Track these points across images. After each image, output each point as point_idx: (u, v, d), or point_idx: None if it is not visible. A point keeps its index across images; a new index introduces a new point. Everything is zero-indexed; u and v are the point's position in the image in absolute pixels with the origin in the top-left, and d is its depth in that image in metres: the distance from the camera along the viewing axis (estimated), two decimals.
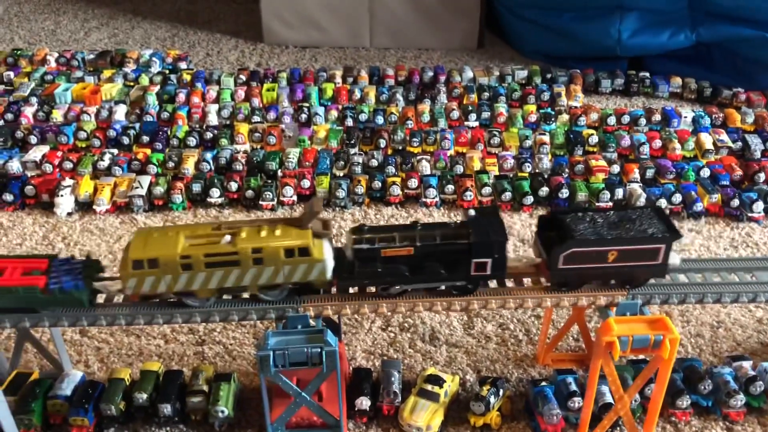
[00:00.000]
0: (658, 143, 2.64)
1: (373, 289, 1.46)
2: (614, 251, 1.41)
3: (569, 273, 1.43)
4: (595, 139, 2.66)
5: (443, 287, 1.45)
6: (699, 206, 2.32)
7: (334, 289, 1.46)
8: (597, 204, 2.34)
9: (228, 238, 1.35)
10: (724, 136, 2.67)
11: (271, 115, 2.87)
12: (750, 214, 2.29)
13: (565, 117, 2.85)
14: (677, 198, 2.33)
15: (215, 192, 2.38)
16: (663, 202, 2.31)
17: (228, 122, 2.83)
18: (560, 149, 2.66)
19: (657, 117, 2.84)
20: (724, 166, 2.52)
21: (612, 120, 2.82)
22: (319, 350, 1.35)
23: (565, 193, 2.36)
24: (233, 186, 2.40)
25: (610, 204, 2.34)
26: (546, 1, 3.39)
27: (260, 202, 2.37)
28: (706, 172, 2.47)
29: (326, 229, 1.39)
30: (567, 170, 2.51)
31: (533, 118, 2.83)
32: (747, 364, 1.65)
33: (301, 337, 1.38)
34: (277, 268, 1.36)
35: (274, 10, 3.70)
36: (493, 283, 1.47)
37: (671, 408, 1.59)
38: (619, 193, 2.35)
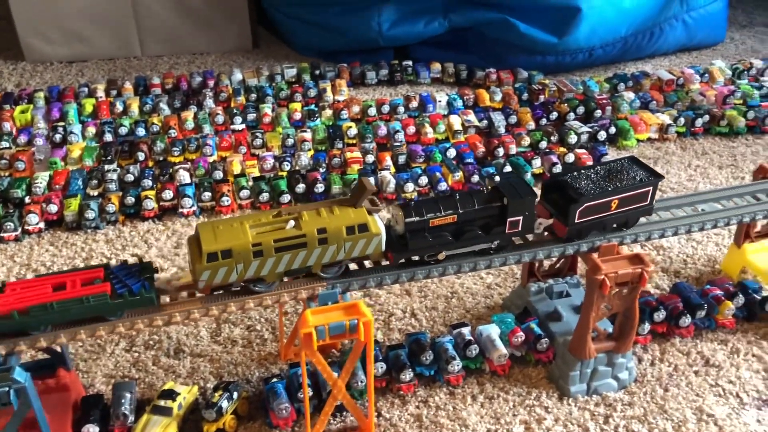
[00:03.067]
0: (412, 129, 2.78)
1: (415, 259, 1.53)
2: (616, 200, 1.60)
3: (582, 226, 1.59)
4: (353, 131, 2.75)
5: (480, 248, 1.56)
6: (443, 185, 2.47)
7: (387, 263, 1.54)
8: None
9: (292, 223, 1.42)
10: (471, 116, 2.86)
11: (22, 139, 2.72)
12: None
13: (329, 112, 2.93)
14: (423, 180, 2.46)
15: None
16: (410, 186, 2.43)
17: None
18: (322, 144, 2.73)
19: (415, 104, 2.98)
20: (469, 145, 2.69)
21: (373, 111, 2.93)
22: (7, 389, 1.30)
23: (320, 187, 2.43)
24: None
25: None
26: None
27: (1, 234, 2.24)
28: (452, 153, 2.63)
29: (375, 205, 1.48)
30: (325, 165, 2.58)
31: (298, 116, 2.88)
32: (466, 330, 1.79)
33: None
34: (339, 245, 1.44)
35: (30, 27, 3.51)
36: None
37: (397, 383, 1.69)
38: (371, 181, 2.44)
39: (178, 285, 1.50)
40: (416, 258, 1.56)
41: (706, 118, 2.87)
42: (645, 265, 1.58)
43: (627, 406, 1.67)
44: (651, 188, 1.63)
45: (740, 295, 1.90)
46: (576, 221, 1.58)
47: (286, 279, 1.49)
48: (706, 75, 3.23)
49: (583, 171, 1.64)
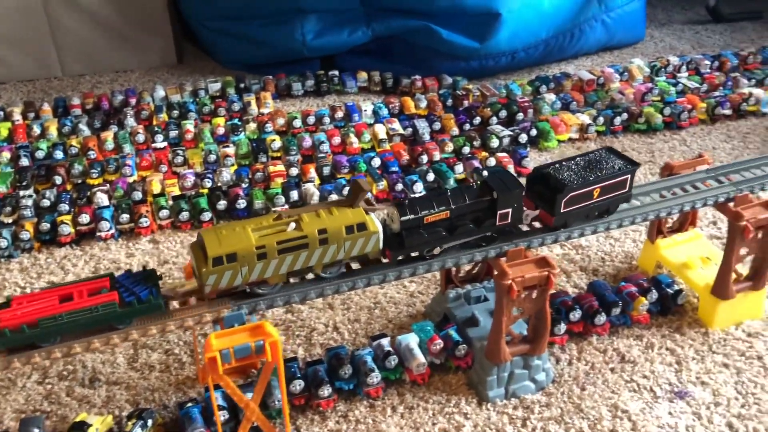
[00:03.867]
0: (337, 140, 2.77)
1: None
2: (597, 188, 1.66)
3: (568, 215, 1.65)
4: (277, 144, 2.73)
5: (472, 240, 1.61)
6: (368, 195, 2.46)
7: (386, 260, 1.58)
8: (273, 209, 2.41)
9: (293, 225, 1.45)
10: (396, 124, 2.87)
11: None
12: (411, 195, 2.48)
13: (253, 126, 2.90)
14: (348, 190, 2.45)
15: None
16: (335, 197, 2.43)
17: None
18: (245, 159, 2.70)
19: (340, 114, 2.98)
20: (394, 153, 2.70)
21: (298, 122, 2.92)
22: None
23: (242, 203, 2.40)
24: None
25: (286, 207, 2.42)
26: (231, 11, 3.43)
27: None
28: (377, 162, 2.63)
29: (370, 204, 1.52)
30: (248, 180, 2.56)
31: (222, 131, 2.85)
32: (385, 341, 1.78)
33: None
34: (339, 245, 1.47)
35: None
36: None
37: (316, 399, 1.67)
38: (294, 195, 2.43)
39: (181, 291, 1.51)
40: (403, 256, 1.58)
41: (625, 116, 2.93)
42: (551, 268, 1.60)
43: (544, 407, 1.69)
44: (629, 176, 1.70)
45: (654, 291, 1.94)
46: (562, 210, 1.65)
47: (292, 280, 1.54)
48: (626, 74, 3.31)
49: (564, 163, 1.70)
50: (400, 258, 1.58)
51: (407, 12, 3.29)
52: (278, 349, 1.43)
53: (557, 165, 1.69)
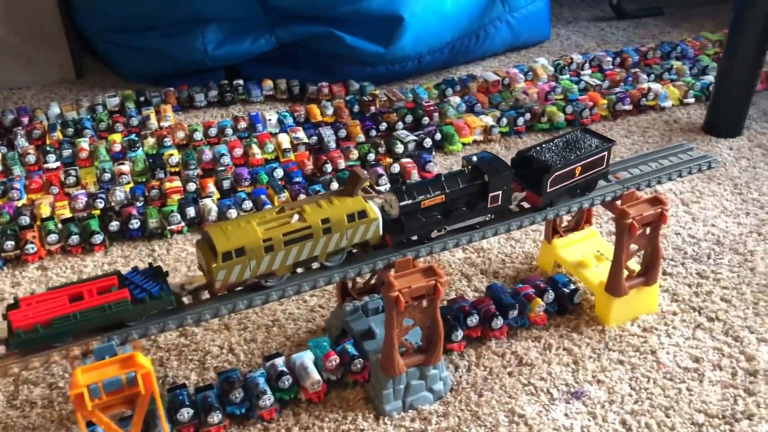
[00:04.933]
0: (239, 151, 2.70)
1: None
2: (579, 167, 1.75)
3: (553, 194, 1.74)
4: (175, 159, 2.64)
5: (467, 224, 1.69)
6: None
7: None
8: (169, 227, 2.32)
9: (296, 216, 1.49)
10: (301, 133, 2.81)
11: None
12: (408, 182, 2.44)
13: (151, 140, 2.80)
14: (248, 204, 2.39)
15: None
16: (233, 212, 2.36)
17: None
18: (142, 176, 2.60)
19: (244, 124, 2.91)
20: (298, 163, 2.65)
21: (199, 135, 2.84)
22: None
23: (135, 223, 2.31)
24: None
25: (183, 225, 2.33)
26: (126, 23, 3.31)
27: None
28: (279, 173, 2.57)
29: (367, 192, 1.58)
30: (142, 198, 2.46)
31: (118, 147, 2.74)
32: (279, 361, 1.73)
33: None
34: (341, 233, 1.53)
35: None
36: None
37: (205, 427, 1.61)
38: (191, 211, 2.35)
39: (191, 288, 1.54)
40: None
41: (528, 116, 2.96)
42: (438, 277, 1.58)
43: (442, 417, 1.67)
44: (606, 153, 1.79)
45: (550, 291, 1.94)
46: (548, 190, 1.72)
47: (300, 270, 1.59)
48: (530, 73, 3.34)
49: (544, 145, 1.78)
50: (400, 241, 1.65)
51: (310, 18, 3.24)
52: (151, 381, 1.36)
53: (538, 148, 1.78)
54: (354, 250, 1.64)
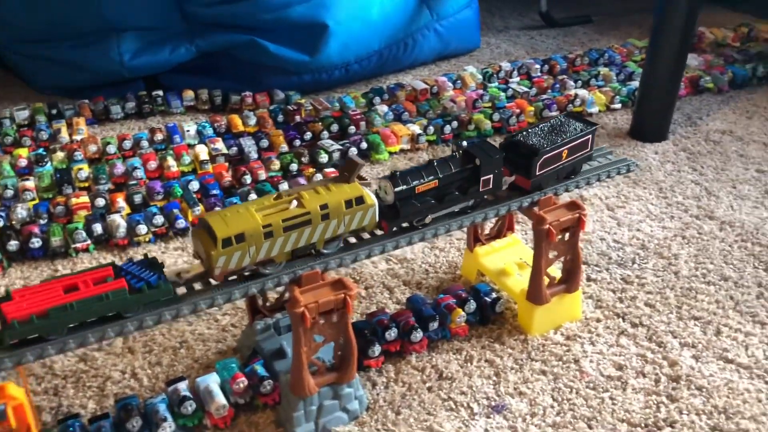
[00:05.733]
0: (154, 164, 2.57)
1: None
2: (565, 150, 1.76)
3: (542, 177, 1.75)
4: (84, 173, 2.50)
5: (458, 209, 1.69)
6: (182, 222, 2.28)
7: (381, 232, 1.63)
8: (74, 245, 2.18)
9: (295, 202, 1.47)
10: (219, 144, 2.70)
11: None
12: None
13: (61, 155, 2.65)
14: (159, 219, 2.27)
15: None
16: (143, 228, 2.23)
17: None
18: (49, 192, 2.45)
19: (161, 136, 2.78)
20: (215, 175, 2.54)
21: (113, 148, 2.70)
22: None
23: (37, 242, 2.16)
24: None
25: (89, 242, 2.20)
26: (35, 33, 3.15)
27: None
28: (195, 186, 2.46)
29: (363, 179, 1.57)
30: (46, 215, 2.31)
31: (24, 162, 2.58)
32: (182, 385, 1.62)
33: None
34: (339, 219, 1.50)
35: None
36: None
37: None
38: (98, 228, 2.22)
39: (188, 276, 1.49)
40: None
41: (455, 124, 2.91)
42: (348, 290, 1.49)
43: None
44: (590, 136, 1.81)
45: (472, 300, 1.88)
46: (537, 173, 1.73)
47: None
48: (459, 82, 3.31)
49: (530, 130, 1.79)
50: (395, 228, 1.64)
51: (231, 26, 3.14)
52: (25, 413, 1.24)
53: (524, 133, 1.78)
54: (351, 238, 1.62)
